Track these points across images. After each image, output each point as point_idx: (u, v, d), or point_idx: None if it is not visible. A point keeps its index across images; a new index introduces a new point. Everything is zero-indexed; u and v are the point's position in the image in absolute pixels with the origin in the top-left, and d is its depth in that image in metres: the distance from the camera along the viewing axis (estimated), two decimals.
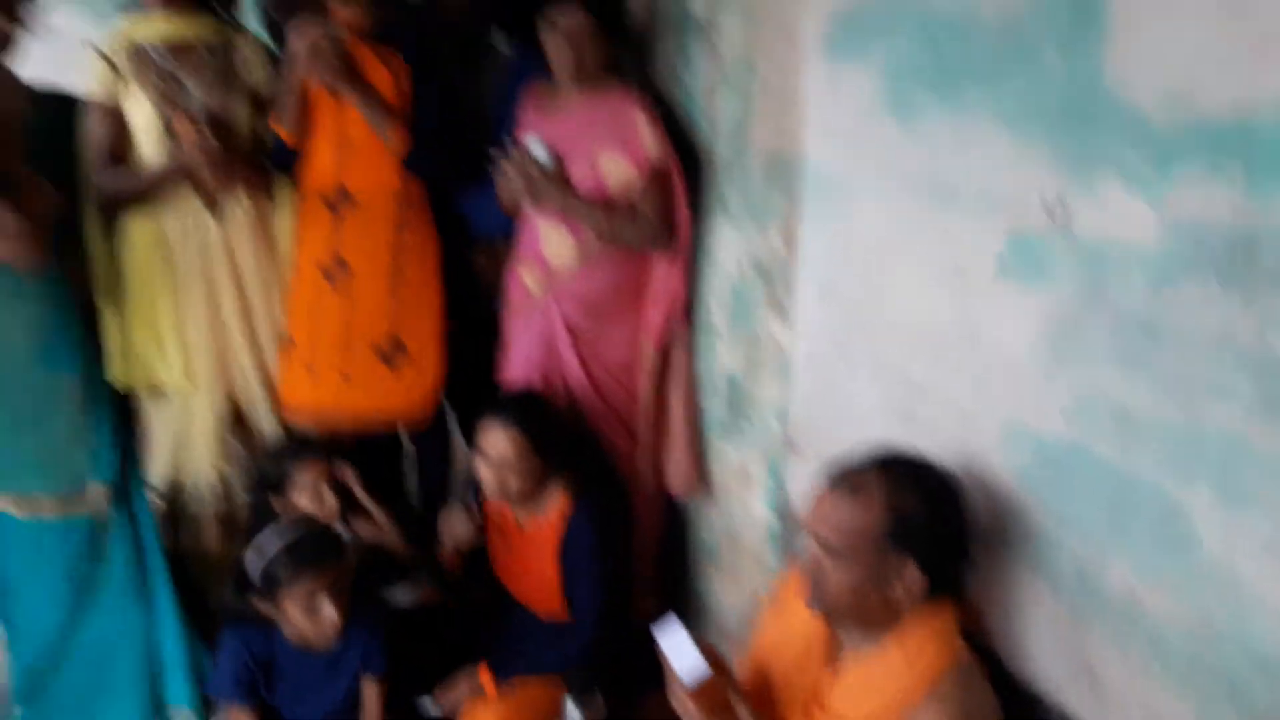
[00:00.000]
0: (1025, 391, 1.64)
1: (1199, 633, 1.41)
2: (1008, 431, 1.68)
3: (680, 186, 2.39)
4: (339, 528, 2.48)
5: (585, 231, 2.40)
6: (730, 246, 2.36)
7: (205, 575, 2.78)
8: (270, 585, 2.15)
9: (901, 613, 1.51)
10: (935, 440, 1.83)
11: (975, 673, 1.54)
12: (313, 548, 2.18)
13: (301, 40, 2.44)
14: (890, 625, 1.53)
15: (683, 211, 2.39)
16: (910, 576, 1.49)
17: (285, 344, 2.70)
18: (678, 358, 2.55)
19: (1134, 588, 1.50)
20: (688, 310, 2.53)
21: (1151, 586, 1.47)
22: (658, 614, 2.72)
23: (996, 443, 1.70)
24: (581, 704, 2.16)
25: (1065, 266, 1.54)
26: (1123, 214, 1.44)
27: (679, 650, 1.53)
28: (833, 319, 2.07)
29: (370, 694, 2.25)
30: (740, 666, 1.79)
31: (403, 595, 2.72)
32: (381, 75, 2.57)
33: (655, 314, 2.50)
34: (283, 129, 2.59)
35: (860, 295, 1.98)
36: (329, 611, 2.12)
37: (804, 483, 2.22)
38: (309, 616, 2.13)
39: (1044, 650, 1.68)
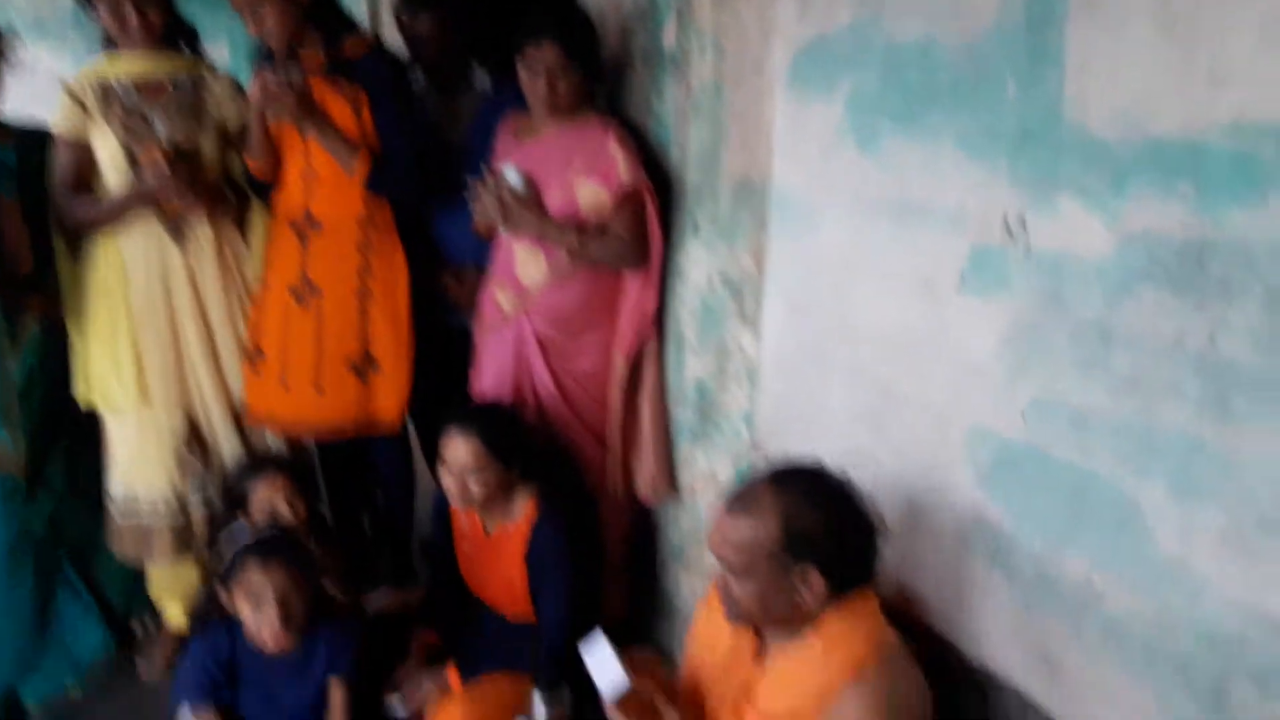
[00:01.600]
0: (988, 396, 1.73)
1: (1154, 620, 1.51)
2: (971, 435, 1.77)
3: (653, 208, 2.46)
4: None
5: (558, 252, 2.47)
6: (700, 264, 2.43)
7: (134, 587, 2.94)
8: (229, 573, 2.20)
9: (814, 610, 1.57)
10: (901, 444, 1.92)
11: (900, 657, 1.59)
12: (273, 546, 2.21)
13: (255, 84, 2.59)
14: (808, 623, 1.59)
15: (655, 232, 2.46)
16: (813, 582, 1.54)
17: (254, 358, 2.79)
18: (648, 368, 2.61)
19: (1091, 579, 1.59)
20: (658, 322, 2.59)
21: (1108, 578, 1.57)
22: (627, 613, 2.81)
23: (961, 445, 1.79)
24: (549, 700, 2.19)
25: (1025, 278, 1.64)
26: (1080, 229, 1.54)
27: (602, 665, 1.58)
28: (800, 329, 2.15)
29: (336, 697, 2.27)
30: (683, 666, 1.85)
31: (375, 599, 2.74)
32: (340, 108, 2.70)
33: (626, 328, 2.56)
34: (251, 161, 2.77)
35: (828, 307, 2.06)
36: (270, 613, 2.14)
37: None
38: (255, 614, 2.16)
39: (1002, 638, 1.77)
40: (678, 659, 2.70)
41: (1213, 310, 1.37)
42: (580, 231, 2.43)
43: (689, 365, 2.54)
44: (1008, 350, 1.68)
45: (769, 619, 1.61)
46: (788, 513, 1.55)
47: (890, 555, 1.82)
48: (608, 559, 2.81)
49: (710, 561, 2.59)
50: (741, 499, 1.59)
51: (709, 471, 2.55)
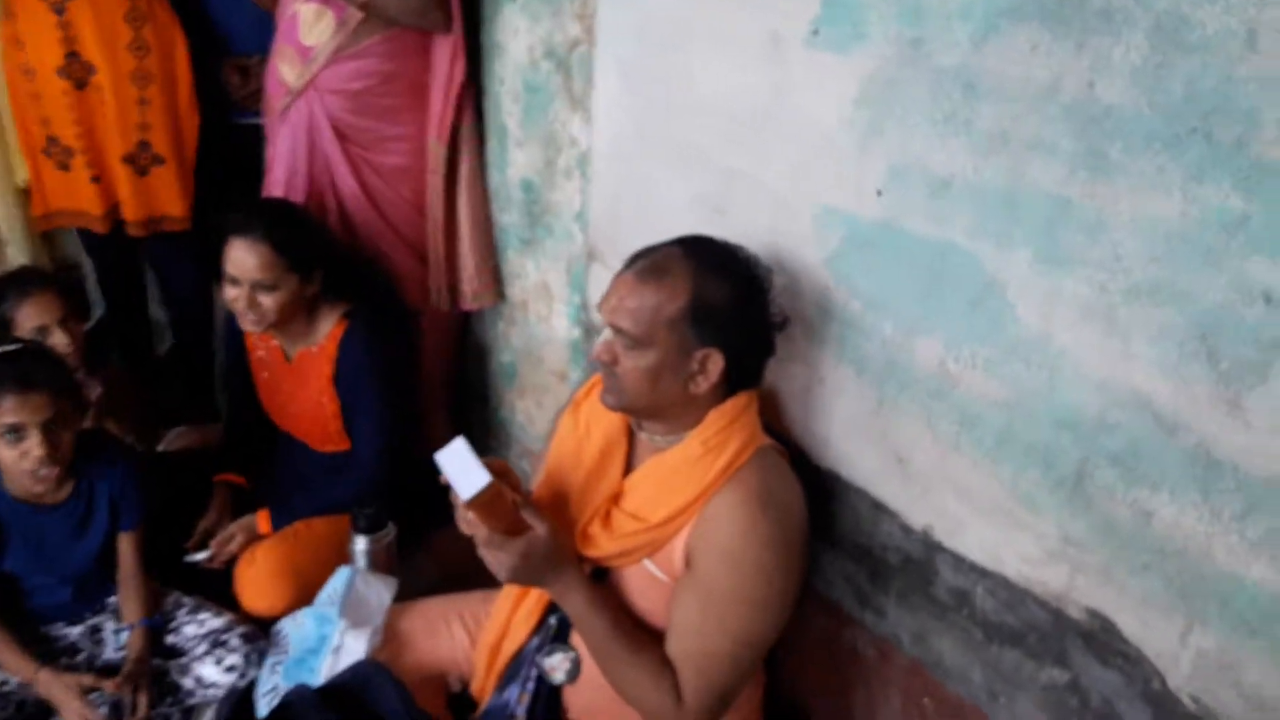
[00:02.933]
0: (838, 170, 1.53)
1: (1011, 405, 1.38)
2: (820, 216, 1.58)
3: None
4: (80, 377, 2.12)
5: (347, 7, 2.09)
6: (520, 35, 2.11)
7: None
8: None
9: (701, 405, 1.42)
10: (744, 232, 1.71)
11: (778, 461, 1.47)
12: (26, 368, 1.80)
13: None
14: (690, 419, 1.43)
15: None
16: (712, 365, 1.39)
17: (33, 148, 2.47)
18: (466, 164, 2.31)
19: (945, 366, 1.45)
20: (477, 109, 2.27)
21: (964, 363, 1.43)
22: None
23: (809, 229, 1.60)
24: (371, 539, 1.98)
25: (883, 25, 1.41)
26: None
27: (459, 467, 1.36)
28: (636, 109, 1.88)
29: (125, 553, 1.95)
30: (538, 481, 1.67)
31: (168, 439, 2.44)
32: None
33: (439, 104, 2.23)
34: None
35: (665, 79, 1.80)
36: (32, 446, 1.78)
37: None
38: (12, 450, 1.79)
39: (851, 439, 1.63)
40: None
41: (1093, 49, 1.18)
42: None
43: (513, 161, 2.25)
44: (861, 114, 1.47)
45: (654, 404, 1.43)
46: (699, 284, 1.37)
47: None
48: (429, 384, 2.56)
49: (544, 379, 2.40)
50: (649, 264, 1.40)
51: (540, 283, 2.31)
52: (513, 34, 2.12)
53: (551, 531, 1.42)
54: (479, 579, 1.98)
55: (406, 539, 2.06)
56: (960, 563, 1.51)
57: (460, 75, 2.20)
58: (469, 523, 1.42)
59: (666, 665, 1.41)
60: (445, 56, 2.19)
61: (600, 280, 2.09)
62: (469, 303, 2.43)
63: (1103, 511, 1.30)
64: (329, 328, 2.13)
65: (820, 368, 1.64)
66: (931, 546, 1.55)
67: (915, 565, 1.58)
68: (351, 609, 1.79)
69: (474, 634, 1.81)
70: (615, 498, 1.50)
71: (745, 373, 1.46)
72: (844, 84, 1.48)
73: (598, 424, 1.56)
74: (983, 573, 1.49)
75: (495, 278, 2.43)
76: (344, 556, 2.04)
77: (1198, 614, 1.23)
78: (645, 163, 1.89)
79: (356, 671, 1.64)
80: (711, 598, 1.38)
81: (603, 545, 1.49)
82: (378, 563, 2.00)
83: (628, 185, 1.95)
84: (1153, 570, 1.27)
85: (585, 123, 2.02)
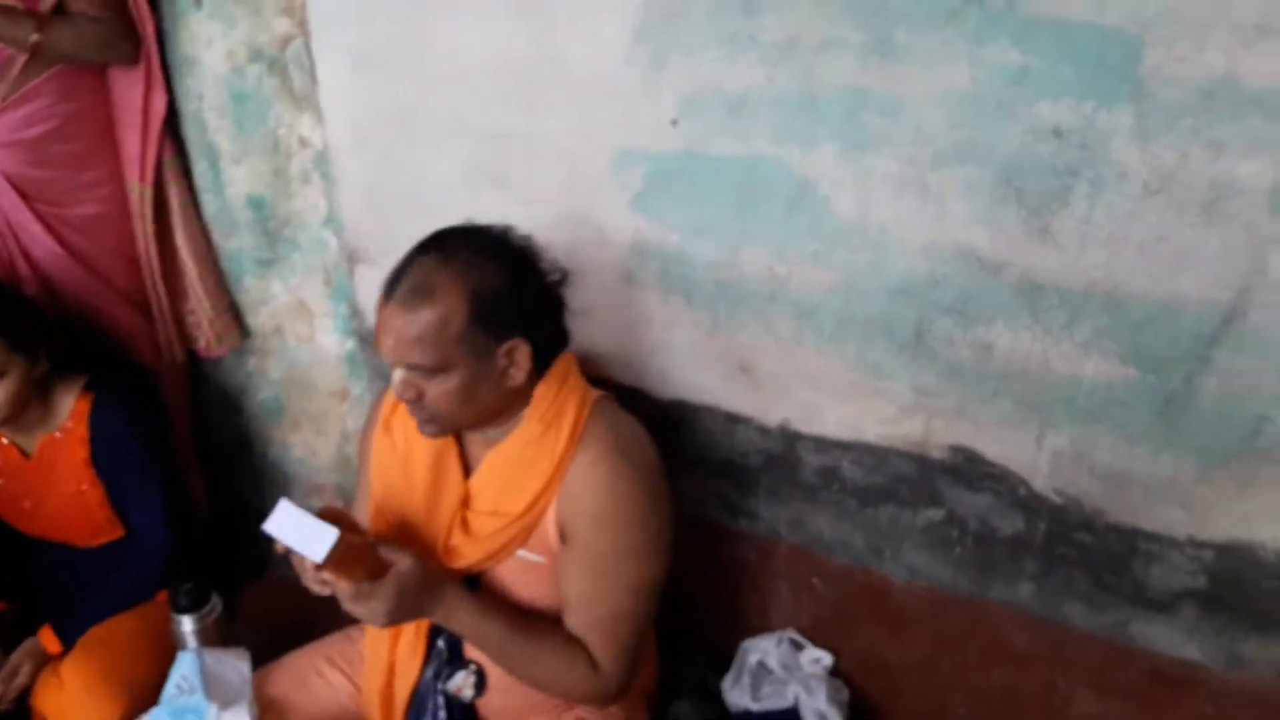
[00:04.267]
0: (627, 110, 1.56)
1: (845, 289, 1.50)
2: (617, 159, 1.60)
3: None
4: None
5: (10, 54, 1.78)
6: (215, 43, 1.91)
7: None
8: None
9: (524, 389, 1.37)
10: (534, 194, 1.70)
11: (610, 404, 1.45)
12: None
13: None
14: (519, 405, 1.39)
15: (141, 1, 1.87)
16: (520, 354, 1.32)
17: None
18: (176, 198, 2.06)
19: (774, 271, 1.55)
20: (174, 137, 2.04)
21: (791, 263, 1.53)
22: (211, 506, 2.36)
23: (607, 175, 1.62)
24: (197, 617, 1.77)
25: None
26: None
27: (296, 531, 1.24)
28: (377, 94, 1.79)
29: None
30: (363, 512, 1.55)
31: None
32: None
33: (132, 143, 1.97)
34: None
35: (407, 55, 1.72)
36: None
37: None
38: None
39: (693, 365, 1.70)
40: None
41: None
42: (36, 18, 1.77)
43: (232, 180, 2.06)
44: (641, 50, 1.51)
45: (479, 415, 1.36)
46: (470, 284, 1.26)
47: None
48: (176, 443, 2.30)
49: (321, 404, 2.24)
50: (410, 287, 1.27)
51: (294, 302, 2.14)
52: (205, 45, 1.92)
53: (415, 559, 1.33)
54: (309, 626, 1.85)
55: (231, 602, 1.87)
56: (822, 443, 1.63)
57: (161, 107, 1.95)
58: (324, 583, 1.31)
59: (572, 641, 1.39)
60: (135, 88, 1.93)
61: (369, 282, 1.99)
62: (213, 349, 2.20)
63: (946, 358, 1.47)
64: (70, 406, 1.85)
65: (646, 307, 1.68)
66: (790, 438, 1.66)
67: (778, 460, 1.69)
68: (215, 690, 1.59)
69: (351, 676, 1.68)
70: (465, 502, 1.43)
71: (553, 340, 1.40)
72: (617, 24, 1.51)
73: (417, 438, 1.45)
74: (845, 446, 1.62)
75: (235, 315, 2.21)
76: (163, 645, 1.82)
77: (1047, 421, 1.43)
78: (400, 146, 1.81)
79: None
80: (598, 563, 1.36)
81: (470, 553, 1.42)
82: (209, 639, 1.79)
83: (383, 175, 1.86)
84: (1001, 395, 1.45)
85: (316, 121, 1.89)
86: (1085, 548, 1.48)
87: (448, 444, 1.46)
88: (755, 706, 1.71)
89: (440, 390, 1.30)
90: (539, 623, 1.42)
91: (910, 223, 1.41)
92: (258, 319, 2.21)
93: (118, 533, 1.96)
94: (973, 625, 1.61)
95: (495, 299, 1.28)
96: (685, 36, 1.46)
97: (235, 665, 1.68)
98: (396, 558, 1.32)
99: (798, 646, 1.78)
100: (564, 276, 1.39)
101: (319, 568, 1.25)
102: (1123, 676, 1.52)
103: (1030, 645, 1.57)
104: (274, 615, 2.18)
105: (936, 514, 1.58)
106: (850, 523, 1.66)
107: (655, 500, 1.39)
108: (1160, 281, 1.29)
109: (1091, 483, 1.44)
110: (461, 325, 1.26)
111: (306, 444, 2.31)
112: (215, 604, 1.82)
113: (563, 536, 1.38)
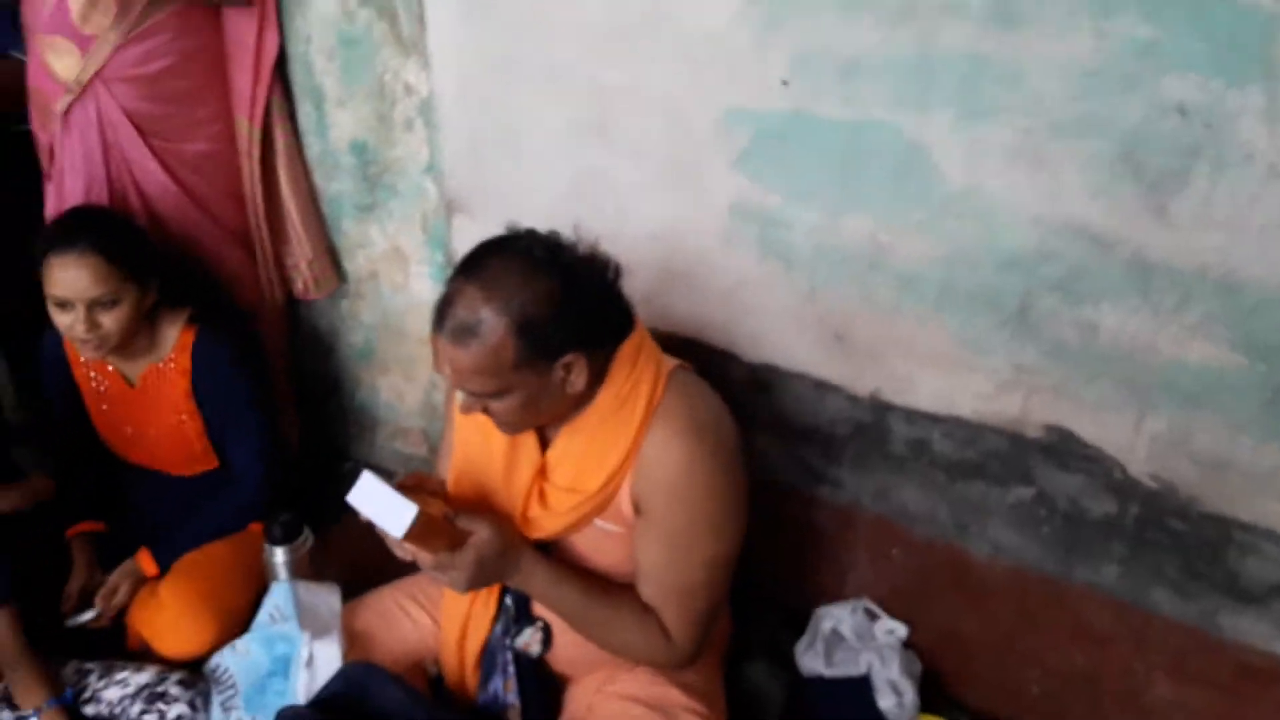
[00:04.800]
0: (736, 69, 1.55)
1: (950, 259, 1.49)
2: (722, 118, 1.60)
3: None
4: None
5: None
6: None
7: None
8: None
9: (590, 386, 1.35)
10: (639, 151, 1.71)
11: (687, 374, 1.44)
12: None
13: None
14: (590, 395, 1.37)
15: None
16: (578, 367, 1.31)
17: None
18: (281, 139, 2.11)
19: (877, 238, 1.54)
20: (281, 76, 2.08)
21: (895, 230, 1.52)
22: (301, 440, 2.42)
23: (710, 134, 1.62)
24: (290, 549, 1.83)
25: None
26: None
27: (378, 504, 1.26)
28: (483, 40, 1.81)
29: (3, 632, 1.70)
30: (447, 467, 1.56)
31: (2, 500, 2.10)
32: None
33: (244, 81, 2.02)
34: None
35: (517, 4, 1.74)
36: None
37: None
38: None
39: (786, 330, 1.70)
40: (397, 469, 2.41)
41: None
42: None
43: (336, 124, 2.10)
44: (754, 9, 1.50)
45: (549, 417, 1.38)
46: (514, 315, 1.24)
47: (645, 282, 1.62)
48: (274, 382, 2.37)
49: (411, 350, 2.29)
50: (457, 324, 1.26)
51: (390, 249, 2.18)
52: None
53: (494, 528, 1.36)
54: (390, 566, 1.90)
55: (323, 537, 1.93)
56: (913, 415, 1.63)
57: (273, 47, 2.00)
58: (408, 552, 1.34)
59: (646, 610, 1.41)
60: (249, 27, 1.97)
61: (466, 232, 2.02)
62: (311, 292, 2.25)
63: (1050, 336, 1.45)
64: (175, 338, 1.91)
65: (742, 270, 1.69)
66: (881, 408, 1.66)
67: (867, 429, 1.68)
68: (308, 620, 1.66)
69: (433, 613, 1.73)
70: (542, 473, 1.44)
71: (613, 337, 1.37)
72: None
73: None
74: (936, 419, 1.61)
75: (333, 259, 2.26)
76: (254, 574, 1.88)
77: (1148, 404, 1.41)
78: (506, 96, 1.82)
79: (348, 678, 1.53)
80: (673, 536, 1.37)
81: (547, 525, 1.43)
82: (300, 572, 1.86)
83: (486, 124, 1.88)
84: (1103, 376, 1.43)
85: (422, 68, 1.92)
86: (1177, 534, 1.45)
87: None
88: (828, 672, 1.73)
89: (504, 407, 1.31)
90: (613, 590, 1.44)
91: (1022, 195, 1.39)
92: (354, 263, 2.26)
93: (213, 464, 2.02)
94: (1054, 604, 1.60)
95: (544, 324, 1.26)
96: None
97: (326, 598, 1.74)
98: (475, 527, 1.34)
99: (872, 616, 1.78)
100: (617, 272, 1.36)
101: (403, 542, 1.29)
102: (1206, 665, 1.50)
103: (1112, 628, 1.56)
104: (357, 554, 2.24)
105: (1026, 492, 1.57)
106: (937, 496, 1.66)
107: (730, 475, 1.38)
108: (1278, 268, 1.25)
109: (1189, 469, 1.41)
110: (512, 356, 1.26)
111: (395, 388, 2.36)
112: (308, 537, 1.88)
113: (637, 509, 1.39)
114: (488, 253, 1.30)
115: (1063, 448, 1.51)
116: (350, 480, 1.27)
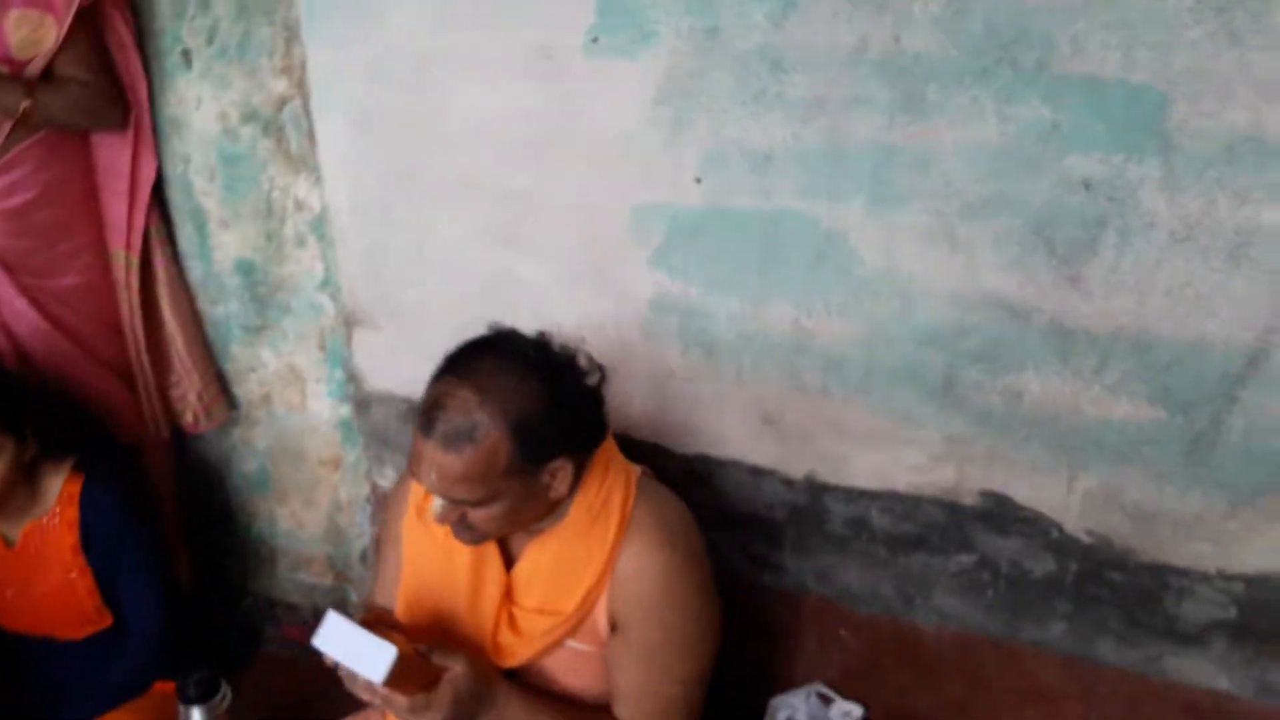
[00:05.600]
0: (650, 168, 1.57)
1: (871, 339, 1.52)
2: (636, 216, 1.61)
3: (125, 28, 1.81)
4: None
5: None
6: (205, 104, 1.87)
7: None
8: None
9: (566, 497, 1.32)
10: (551, 252, 1.69)
11: (650, 481, 1.42)
12: None
13: None
14: (563, 506, 1.34)
15: (132, 61, 1.82)
16: (562, 472, 1.27)
17: None
18: (161, 265, 1.99)
19: (800, 323, 1.56)
20: (157, 201, 1.98)
21: (817, 315, 1.55)
22: (195, 580, 2.26)
23: (625, 232, 1.62)
24: (207, 708, 1.69)
25: (672, 21, 1.47)
26: None
27: (351, 647, 1.17)
28: (381, 151, 1.76)
29: None
30: (385, 594, 1.49)
31: None
32: None
33: (118, 209, 1.90)
34: None
35: (416, 116, 1.71)
36: None
37: (384, 357, 1.94)
38: None
39: (715, 418, 1.69)
40: (301, 602, 2.27)
41: (894, 7, 1.33)
42: (25, 84, 1.71)
43: (220, 245, 2.00)
44: (663, 111, 1.52)
45: (522, 526, 1.32)
46: (510, 418, 1.20)
47: None
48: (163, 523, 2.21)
49: (311, 474, 2.17)
50: (450, 429, 1.20)
51: (284, 369, 2.08)
52: (193, 106, 1.88)
53: (468, 663, 1.28)
54: (309, 704, 1.78)
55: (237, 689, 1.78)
56: (850, 493, 1.64)
57: (150, 171, 1.89)
58: (378, 697, 1.22)
59: None
60: (122, 152, 1.87)
61: (367, 347, 1.94)
62: (202, 424, 2.12)
63: (977, 405, 1.49)
64: (58, 489, 1.76)
65: (667, 361, 1.68)
66: (817, 489, 1.66)
67: (804, 511, 1.69)
68: None
69: None
70: (508, 594, 1.37)
71: (594, 442, 1.34)
72: (638, 85, 1.52)
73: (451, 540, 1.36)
74: (872, 495, 1.63)
75: (222, 385, 2.14)
76: None
77: (1078, 463, 1.46)
78: (408, 207, 1.78)
79: None
80: (650, 654, 1.33)
81: (521, 652, 1.37)
82: None
83: (387, 236, 1.83)
84: (1032, 440, 1.48)
85: (314, 183, 1.86)
86: (1116, 585, 1.50)
87: (489, 548, 1.40)
88: None
89: (484, 515, 1.25)
90: (587, 712, 1.38)
91: (938, 273, 1.44)
92: (245, 388, 2.14)
93: (106, 622, 1.86)
94: (1004, 667, 1.62)
95: (538, 427, 1.21)
96: (709, 96, 1.48)
97: None
98: (450, 662, 1.26)
99: (826, 700, 1.76)
100: (603, 375, 1.32)
101: (383, 689, 1.19)
102: (1157, 710, 1.54)
103: (1063, 684, 1.59)
104: (271, 695, 2.10)
105: (968, 559, 1.59)
106: (879, 572, 1.67)
107: (705, 590, 1.36)
108: (1187, 325, 1.33)
109: (1122, 522, 1.47)
110: (506, 462, 1.20)
111: (294, 516, 2.23)
112: (225, 693, 1.73)
113: (613, 625, 1.34)
114: (477, 353, 1.25)
115: (999, 512, 1.54)
116: (314, 622, 1.17)
